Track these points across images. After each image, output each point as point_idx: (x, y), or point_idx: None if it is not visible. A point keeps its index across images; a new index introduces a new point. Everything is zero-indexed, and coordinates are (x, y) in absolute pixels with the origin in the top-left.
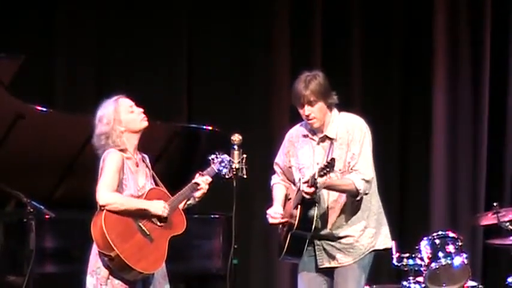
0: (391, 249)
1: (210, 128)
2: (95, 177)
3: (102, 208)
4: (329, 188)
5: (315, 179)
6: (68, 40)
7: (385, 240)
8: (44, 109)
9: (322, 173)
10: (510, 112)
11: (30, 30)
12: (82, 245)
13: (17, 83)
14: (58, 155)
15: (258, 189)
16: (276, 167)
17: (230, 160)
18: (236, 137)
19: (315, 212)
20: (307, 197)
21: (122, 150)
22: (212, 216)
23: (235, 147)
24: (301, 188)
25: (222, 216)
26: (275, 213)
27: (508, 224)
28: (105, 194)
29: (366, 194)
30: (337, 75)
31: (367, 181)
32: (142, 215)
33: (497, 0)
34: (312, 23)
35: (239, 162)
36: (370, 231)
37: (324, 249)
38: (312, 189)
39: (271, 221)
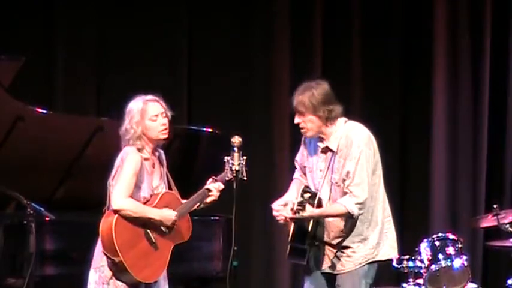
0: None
1: (210, 130)
2: (95, 179)
3: (115, 212)
4: (321, 216)
5: (295, 210)
6: (67, 40)
7: (389, 251)
8: (44, 111)
9: (298, 208)
10: (510, 112)
11: (29, 31)
12: (82, 247)
13: (16, 84)
14: (58, 156)
15: (258, 191)
16: (295, 163)
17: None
18: (236, 139)
19: (307, 227)
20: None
21: (139, 150)
22: (212, 218)
23: (235, 149)
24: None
25: (222, 218)
26: (278, 207)
27: (508, 226)
28: (120, 199)
29: (361, 214)
30: (337, 75)
31: (360, 203)
32: (152, 223)
33: (497, 0)
34: (312, 23)
35: (239, 164)
36: (369, 243)
37: (326, 254)
38: (290, 216)
39: (273, 213)
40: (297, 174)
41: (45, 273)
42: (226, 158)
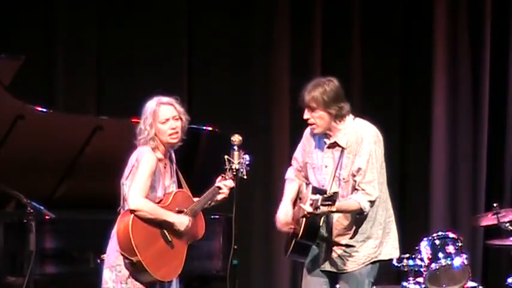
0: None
1: (210, 128)
2: (96, 177)
3: (131, 212)
4: (336, 212)
5: (318, 206)
6: (67, 40)
7: (391, 250)
8: (44, 109)
9: (324, 203)
10: (510, 112)
11: (29, 31)
12: (82, 245)
13: (17, 83)
14: (58, 155)
15: (258, 190)
16: (293, 161)
17: (249, 160)
18: (236, 138)
19: (319, 225)
20: (307, 214)
21: (153, 149)
22: (212, 216)
23: (235, 147)
24: (303, 207)
25: (222, 216)
26: (287, 218)
27: (507, 224)
28: (137, 199)
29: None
30: (337, 75)
31: (373, 201)
32: (167, 223)
33: (497, 0)
34: (312, 23)
35: (239, 163)
36: (372, 242)
37: (327, 253)
38: (311, 211)
39: (281, 227)
40: (291, 173)
41: (45, 272)
42: (226, 156)
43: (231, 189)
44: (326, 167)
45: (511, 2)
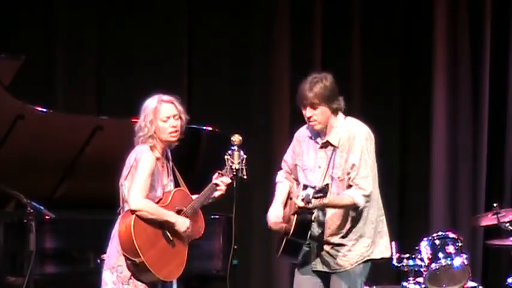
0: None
1: (210, 128)
2: (96, 177)
3: (132, 212)
4: (329, 206)
5: (309, 199)
6: (67, 40)
7: (383, 249)
8: (44, 109)
9: (316, 196)
10: (510, 112)
11: (29, 31)
12: (82, 245)
13: (17, 83)
14: (58, 155)
15: (258, 190)
16: (283, 164)
17: (245, 158)
18: (236, 138)
19: (310, 221)
20: (298, 209)
21: (151, 148)
22: (212, 216)
23: (235, 147)
24: (295, 201)
25: (222, 216)
26: (277, 219)
27: (507, 224)
28: (138, 199)
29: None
30: (337, 75)
31: (367, 196)
32: (168, 222)
33: (497, 0)
34: (312, 23)
35: (239, 162)
36: (365, 241)
37: (319, 253)
38: (302, 205)
39: (271, 226)
40: (281, 176)
41: (45, 272)
42: (226, 156)
43: (228, 185)
44: (319, 167)
45: (511, 2)
